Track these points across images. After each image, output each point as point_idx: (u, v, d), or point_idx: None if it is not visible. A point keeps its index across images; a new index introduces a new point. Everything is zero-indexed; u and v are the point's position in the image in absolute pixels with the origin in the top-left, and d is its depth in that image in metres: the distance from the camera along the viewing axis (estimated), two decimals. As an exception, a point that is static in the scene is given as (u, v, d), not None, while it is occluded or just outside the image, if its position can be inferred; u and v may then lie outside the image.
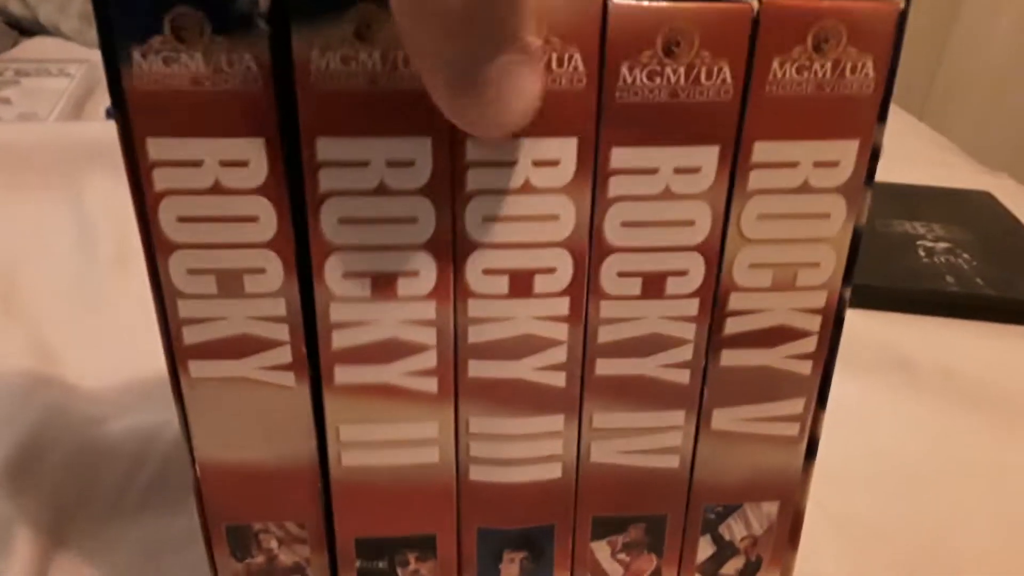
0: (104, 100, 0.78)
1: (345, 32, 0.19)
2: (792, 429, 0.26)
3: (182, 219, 0.21)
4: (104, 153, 0.64)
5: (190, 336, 0.22)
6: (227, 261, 0.21)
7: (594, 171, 0.22)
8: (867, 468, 0.41)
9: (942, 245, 0.55)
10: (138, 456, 0.39)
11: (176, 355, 0.23)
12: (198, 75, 0.19)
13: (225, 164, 0.20)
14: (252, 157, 0.20)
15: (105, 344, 0.47)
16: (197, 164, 0.20)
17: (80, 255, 0.56)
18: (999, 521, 0.38)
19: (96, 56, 0.89)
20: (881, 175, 0.70)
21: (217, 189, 0.20)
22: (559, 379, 0.24)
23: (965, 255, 0.54)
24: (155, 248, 0.21)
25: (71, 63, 0.85)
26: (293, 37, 0.19)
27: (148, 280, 0.22)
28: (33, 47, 0.94)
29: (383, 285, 0.22)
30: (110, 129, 0.66)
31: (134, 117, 0.19)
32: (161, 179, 0.20)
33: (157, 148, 0.20)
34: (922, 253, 0.55)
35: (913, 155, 0.78)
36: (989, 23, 1.25)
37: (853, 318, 0.50)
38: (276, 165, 0.20)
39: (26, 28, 0.97)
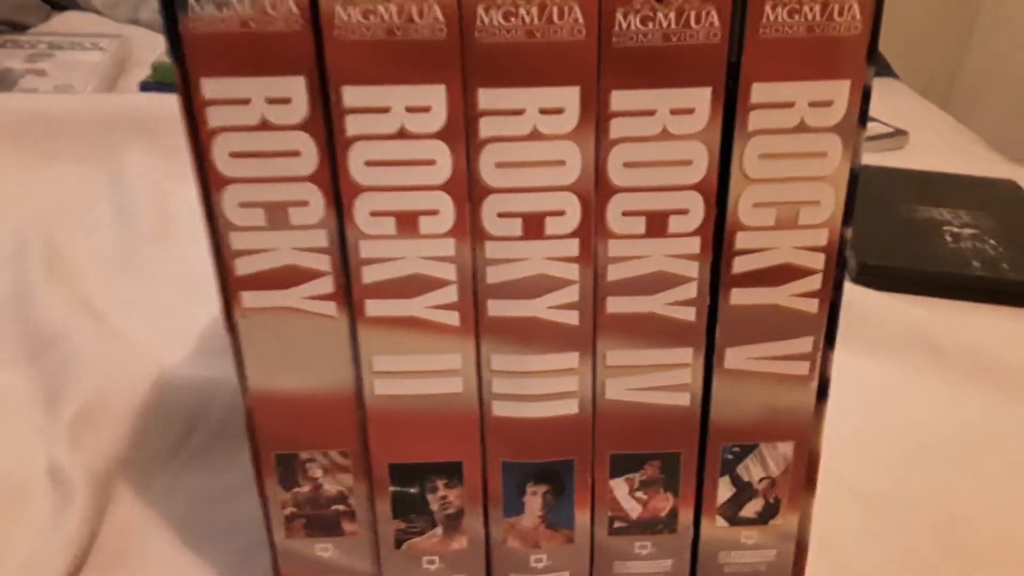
0: (138, 74, 0.81)
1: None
2: (802, 368, 0.27)
3: (233, 155, 0.24)
4: (140, 125, 0.66)
5: (242, 267, 0.25)
6: (274, 194, 0.24)
7: (596, 115, 0.24)
8: (891, 444, 0.41)
9: (968, 231, 0.57)
10: (194, 415, 0.42)
11: (229, 287, 0.26)
12: (245, 18, 0.22)
13: (271, 101, 0.23)
14: (294, 94, 0.23)
15: (150, 308, 0.50)
16: (245, 102, 0.23)
17: (119, 224, 0.58)
18: (1022, 496, 0.38)
19: (128, 31, 0.92)
20: (907, 162, 0.70)
21: (264, 125, 0.23)
22: (572, 317, 0.26)
23: (991, 241, 0.56)
24: (209, 183, 0.24)
25: (103, 37, 0.87)
26: (321, -6, 0.22)
27: (203, 216, 0.25)
28: (65, 21, 0.97)
29: (406, 223, 0.25)
30: (145, 101, 0.69)
31: (190, 59, 0.22)
32: (214, 117, 0.23)
33: (210, 87, 0.23)
34: (948, 238, 0.56)
35: (938, 144, 0.78)
36: (1013, 17, 1.22)
37: (879, 300, 0.51)
38: (316, 102, 0.23)
39: (57, 2, 0.99)
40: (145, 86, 0.80)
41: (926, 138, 0.79)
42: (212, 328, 0.50)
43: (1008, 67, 1.22)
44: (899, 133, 0.77)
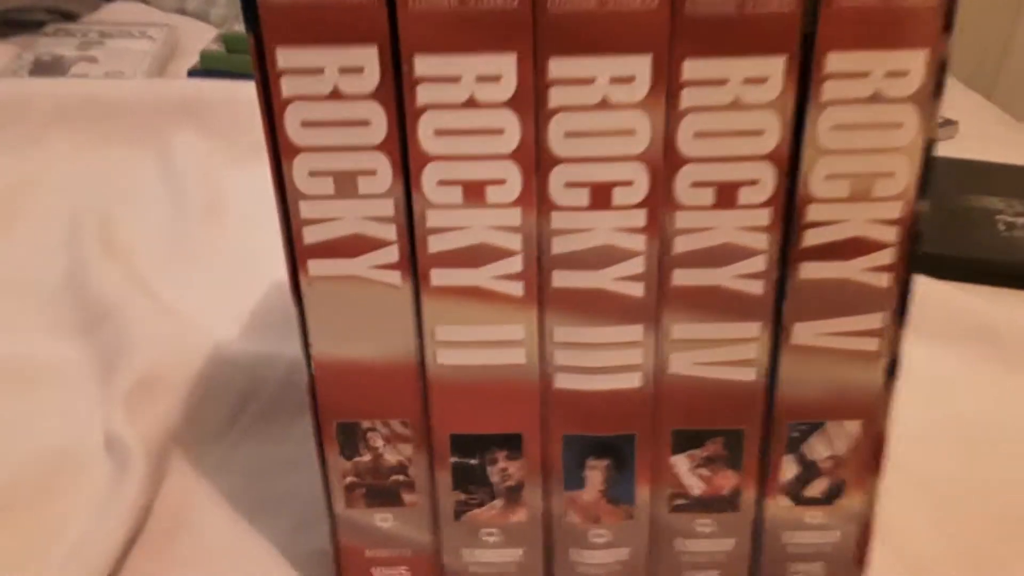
0: (185, 63, 0.83)
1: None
2: (872, 344, 0.27)
3: (305, 124, 0.24)
4: (189, 109, 0.67)
5: (309, 236, 0.26)
6: (343, 163, 0.25)
7: (667, 85, 0.24)
8: (951, 433, 0.40)
9: (1022, 220, 0.56)
10: (248, 389, 0.42)
11: (297, 255, 0.26)
12: (319, -12, 0.22)
13: (343, 71, 0.23)
14: (366, 64, 0.23)
15: (201, 285, 0.51)
16: (319, 72, 0.23)
17: (170, 205, 0.59)
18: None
19: (176, 20, 0.94)
20: (955, 152, 0.69)
21: (336, 95, 0.24)
22: (638, 289, 0.26)
23: (1045, 230, 0.54)
24: (280, 152, 0.24)
25: (152, 27, 0.90)
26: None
27: (272, 186, 0.25)
28: (115, 11, 1.00)
29: (473, 192, 0.25)
30: (195, 87, 0.71)
31: (265, 28, 0.23)
32: (287, 86, 0.23)
33: (285, 57, 0.23)
34: (1002, 227, 0.56)
35: (985, 134, 0.77)
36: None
37: (935, 288, 0.50)
38: (387, 72, 0.23)
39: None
40: (193, 73, 0.81)
41: (974, 128, 0.77)
42: (263, 304, 0.50)
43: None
44: (948, 123, 0.75)
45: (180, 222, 0.59)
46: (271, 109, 0.24)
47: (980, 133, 0.77)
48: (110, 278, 0.50)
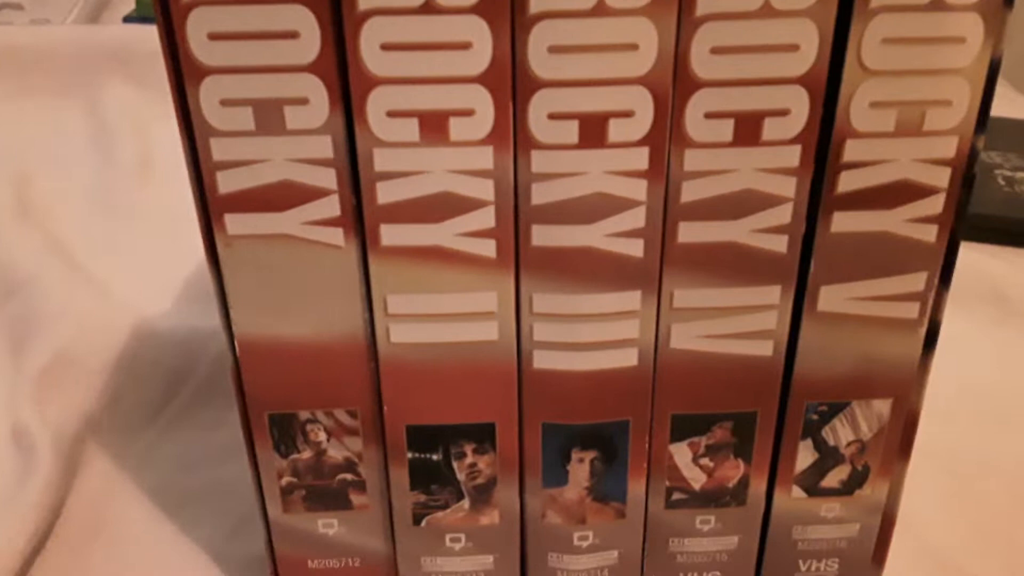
0: (122, 10, 0.77)
1: None
2: (912, 310, 0.23)
3: (214, 36, 0.19)
4: (123, 57, 0.62)
5: (225, 184, 0.20)
6: (266, 89, 0.19)
7: None
8: (965, 405, 0.37)
9: (1021, 174, 0.54)
10: (180, 370, 0.38)
11: (210, 208, 0.21)
12: None
13: None
14: None
15: (129, 250, 0.46)
16: (225, -36, 0.18)
17: (98, 161, 0.55)
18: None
19: None
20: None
21: None
22: (636, 247, 0.21)
23: (1047, 184, 0.52)
24: (183, 75, 0.19)
25: None
26: None
27: (176, 120, 0.20)
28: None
29: (433, 126, 0.20)
30: (128, 32, 0.65)
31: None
32: (186, -16, 0.18)
33: (179, -59, 0.18)
34: (1002, 182, 0.53)
35: None
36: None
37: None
38: None
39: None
40: (129, 20, 0.75)
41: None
42: (198, 272, 0.45)
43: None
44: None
45: (108, 180, 0.53)
46: (168, 17, 0.19)
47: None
48: (24, 243, 0.45)
